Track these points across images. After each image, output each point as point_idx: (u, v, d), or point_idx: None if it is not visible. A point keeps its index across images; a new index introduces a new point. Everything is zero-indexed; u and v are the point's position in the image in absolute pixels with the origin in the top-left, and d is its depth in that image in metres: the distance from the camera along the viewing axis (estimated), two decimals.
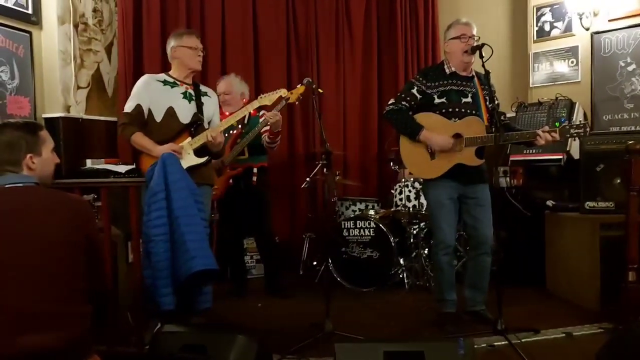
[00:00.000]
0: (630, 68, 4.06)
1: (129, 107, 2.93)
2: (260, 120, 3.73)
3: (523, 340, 2.67)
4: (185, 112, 2.94)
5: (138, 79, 3.69)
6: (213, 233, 3.76)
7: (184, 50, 2.98)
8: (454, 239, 3.18)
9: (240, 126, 3.76)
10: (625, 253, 2.91)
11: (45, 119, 3.72)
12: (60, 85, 3.75)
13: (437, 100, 3.00)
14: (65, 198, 1.75)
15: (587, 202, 3.38)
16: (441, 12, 5.05)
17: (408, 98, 3.04)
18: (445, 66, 3.07)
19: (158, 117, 2.91)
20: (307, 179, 4.36)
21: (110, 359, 2.38)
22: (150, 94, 2.92)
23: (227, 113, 3.64)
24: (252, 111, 3.74)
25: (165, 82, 2.98)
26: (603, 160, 3.33)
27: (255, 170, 3.78)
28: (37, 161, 1.77)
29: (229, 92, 3.80)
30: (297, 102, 3.55)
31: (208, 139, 2.86)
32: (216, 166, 3.59)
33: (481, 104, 2.98)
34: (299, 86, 3.49)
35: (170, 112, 2.91)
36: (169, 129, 2.89)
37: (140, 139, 2.85)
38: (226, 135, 3.73)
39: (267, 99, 3.10)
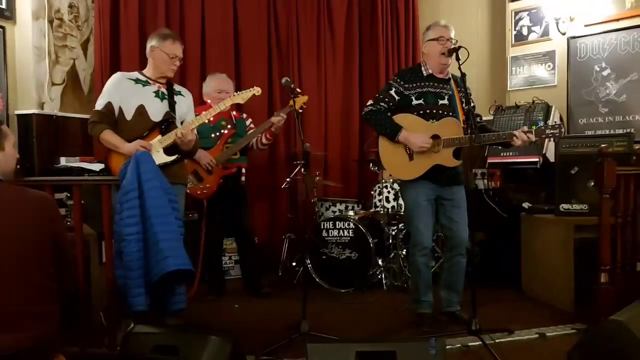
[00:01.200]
0: (605, 73, 4.14)
1: (99, 104, 2.88)
2: (250, 125, 3.90)
3: (497, 340, 2.69)
4: (156, 111, 2.89)
5: None
6: (201, 233, 3.76)
7: (161, 54, 2.93)
8: (431, 240, 3.19)
9: (229, 126, 3.77)
10: (598, 255, 2.95)
11: (18, 115, 3.65)
12: (34, 81, 3.68)
13: (414, 102, 3.02)
14: (29, 195, 1.72)
15: (562, 205, 3.42)
16: (421, 14, 5.09)
17: (386, 99, 3.06)
18: (423, 68, 3.09)
19: (128, 115, 2.87)
20: (287, 179, 4.35)
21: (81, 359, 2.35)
22: (121, 92, 2.88)
23: None
24: (235, 113, 3.83)
25: (137, 81, 2.94)
26: (578, 163, 3.38)
27: (244, 170, 3.87)
28: (2, 156, 1.74)
29: (229, 91, 3.79)
30: (300, 110, 3.68)
31: (177, 136, 2.82)
32: (208, 166, 3.63)
33: (457, 105, 3.01)
34: (301, 96, 3.67)
35: (141, 111, 2.87)
36: (140, 127, 2.84)
37: (109, 137, 2.80)
38: (217, 134, 3.74)
39: (240, 97, 3.08)
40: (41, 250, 1.64)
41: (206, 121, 2.98)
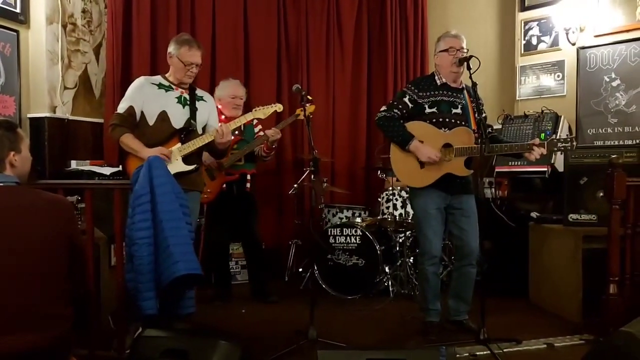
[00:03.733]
0: (614, 83, 4.14)
1: (121, 108, 2.91)
2: (259, 133, 3.86)
3: (505, 350, 2.68)
4: (178, 117, 2.92)
5: (126, 80, 3.68)
6: (200, 237, 3.78)
7: (177, 61, 2.94)
8: (440, 248, 3.19)
9: (237, 132, 3.79)
10: (607, 265, 2.94)
11: (31, 118, 3.68)
12: (46, 85, 3.71)
13: (427, 110, 3.03)
14: (47, 198, 1.74)
15: (571, 215, 3.42)
16: (431, 24, 5.11)
17: (400, 106, 3.06)
18: (436, 77, 3.10)
19: (151, 120, 2.89)
20: (295, 185, 4.37)
21: None
22: (144, 97, 2.90)
23: (224, 117, 3.65)
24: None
25: (160, 86, 2.96)
26: (587, 173, 3.37)
27: (249, 176, 3.86)
28: (18, 158, 1.76)
29: (243, 97, 3.83)
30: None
31: (218, 134, 2.87)
32: (212, 166, 3.64)
33: (470, 115, 3.02)
34: (308, 105, 3.61)
35: (163, 117, 2.89)
36: (161, 133, 2.87)
37: (129, 141, 2.82)
38: None
39: (262, 112, 3.10)
40: (58, 253, 1.66)
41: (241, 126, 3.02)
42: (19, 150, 1.79)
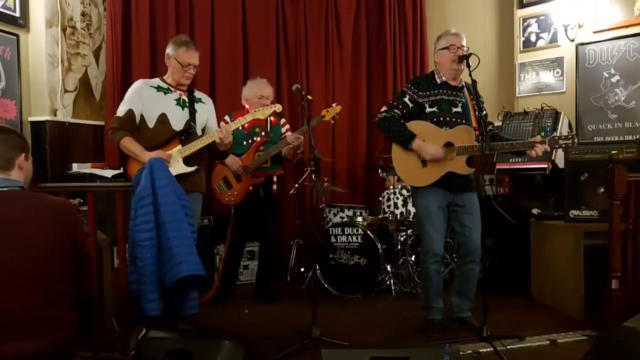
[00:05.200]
0: (614, 79, 4.14)
1: (120, 111, 2.91)
2: (286, 134, 3.84)
3: (508, 347, 2.69)
4: (177, 120, 2.93)
5: (126, 83, 3.67)
6: (227, 238, 3.83)
7: (175, 63, 2.95)
8: (442, 246, 3.19)
9: (263, 133, 3.78)
10: (608, 261, 2.95)
11: (32, 122, 3.69)
12: (47, 88, 3.72)
13: (428, 110, 3.03)
14: (52, 201, 1.74)
15: (572, 211, 3.42)
16: (429, 22, 5.11)
17: (400, 106, 3.07)
18: (436, 76, 3.10)
19: (150, 123, 2.90)
20: (296, 185, 4.37)
21: None
22: (143, 99, 2.90)
23: None
24: (272, 119, 3.81)
25: (159, 88, 2.96)
26: (587, 169, 3.38)
27: (275, 178, 3.86)
28: (27, 165, 1.79)
29: (270, 97, 3.82)
30: (332, 122, 3.72)
31: (219, 137, 2.87)
32: (237, 172, 3.65)
33: (471, 113, 3.02)
34: (334, 105, 3.69)
35: (163, 119, 2.90)
36: (161, 135, 2.87)
37: (129, 144, 2.83)
38: (250, 141, 3.77)
39: (260, 113, 3.10)
40: (62, 256, 1.66)
41: (240, 127, 3.02)
42: (27, 157, 1.81)
